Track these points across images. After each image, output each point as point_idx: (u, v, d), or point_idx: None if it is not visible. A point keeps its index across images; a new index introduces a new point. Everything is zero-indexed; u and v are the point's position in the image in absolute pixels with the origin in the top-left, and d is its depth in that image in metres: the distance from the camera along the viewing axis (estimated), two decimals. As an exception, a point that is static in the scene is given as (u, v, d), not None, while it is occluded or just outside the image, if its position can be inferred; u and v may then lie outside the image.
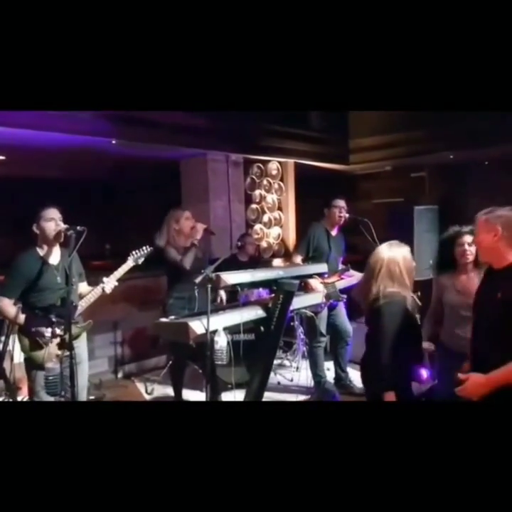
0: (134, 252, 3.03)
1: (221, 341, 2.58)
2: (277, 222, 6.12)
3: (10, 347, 3.42)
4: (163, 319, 2.92)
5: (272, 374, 4.47)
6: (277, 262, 6.03)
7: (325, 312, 4.22)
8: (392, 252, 2.36)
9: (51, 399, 2.56)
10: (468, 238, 2.84)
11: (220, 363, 2.60)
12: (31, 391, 2.78)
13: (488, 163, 6.09)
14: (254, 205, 5.90)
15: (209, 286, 2.72)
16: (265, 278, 3.02)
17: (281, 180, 6.10)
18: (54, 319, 2.66)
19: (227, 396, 3.90)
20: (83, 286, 3.01)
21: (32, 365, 2.73)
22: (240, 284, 2.89)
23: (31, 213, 2.83)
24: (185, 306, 3.68)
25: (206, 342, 2.60)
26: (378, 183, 7.00)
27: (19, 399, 3.61)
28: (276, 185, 6.06)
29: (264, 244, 5.99)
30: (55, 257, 2.84)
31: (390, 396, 2.15)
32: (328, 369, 4.53)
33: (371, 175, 6.95)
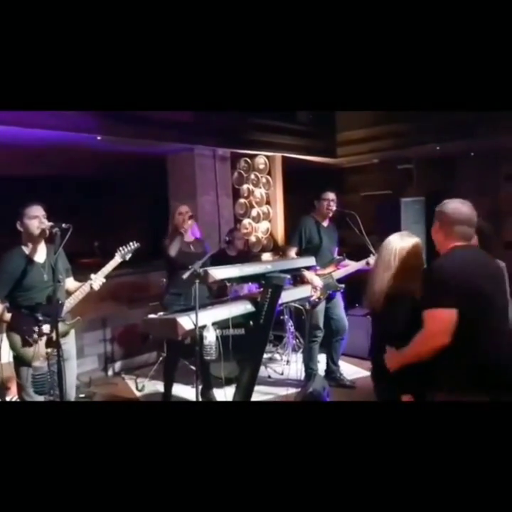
0: (121, 248, 3.02)
1: (210, 336, 2.58)
2: (266, 216, 6.11)
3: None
4: (152, 316, 2.91)
5: (262, 368, 4.48)
6: (266, 256, 6.03)
7: (322, 305, 4.23)
8: (404, 242, 2.25)
9: (40, 397, 2.55)
10: None
11: (209, 358, 2.60)
12: (20, 390, 2.76)
13: (473, 154, 6.13)
14: (242, 200, 5.89)
15: (197, 281, 2.71)
16: (254, 272, 3.02)
17: (269, 174, 6.10)
18: (40, 318, 2.64)
19: (218, 391, 3.91)
20: (70, 282, 2.99)
21: (21, 363, 2.71)
22: (228, 279, 2.89)
23: (17, 211, 2.79)
24: (181, 301, 3.69)
25: (195, 338, 2.60)
26: (366, 176, 7.03)
27: (8, 399, 3.58)
28: (264, 180, 6.05)
29: (253, 238, 5.98)
30: (40, 254, 2.81)
31: (407, 397, 2.08)
32: (319, 361, 4.55)
33: (359, 168, 6.98)
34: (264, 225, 6.10)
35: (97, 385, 4.60)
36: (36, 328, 2.64)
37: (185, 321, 2.59)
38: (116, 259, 2.96)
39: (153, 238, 4.18)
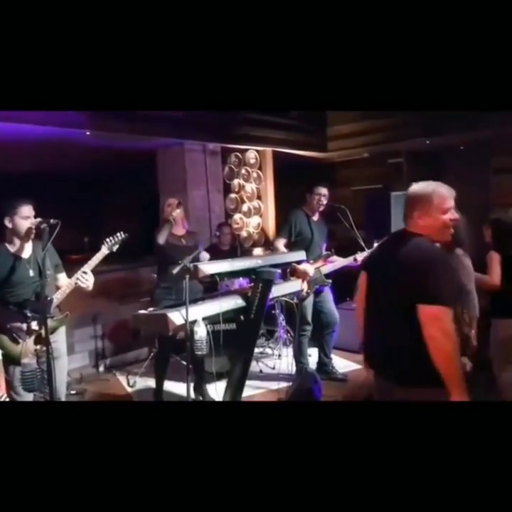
0: (107, 240, 2.94)
1: (201, 331, 2.58)
2: (257, 211, 6.11)
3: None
4: (143, 311, 2.90)
5: (254, 362, 4.49)
6: (258, 251, 6.03)
7: (311, 299, 4.23)
8: None
9: (29, 396, 2.53)
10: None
11: (200, 353, 2.60)
12: (9, 388, 2.73)
13: (463, 148, 6.16)
14: (233, 195, 5.88)
15: (187, 276, 2.71)
16: (244, 267, 3.02)
17: (260, 168, 6.09)
18: (29, 314, 2.62)
19: (209, 386, 3.91)
20: (63, 278, 2.96)
21: (9, 361, 2.69)
22: (219, 274, 2.88)
23: (4, 207, 2.77)
24: (172, 295, 3.68)
25: (186, 333, 2.60)
26: (356, 170, 7.04)
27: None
28: (254, 174, 6.03)
29: (244, 233, 5.98)
30: (26, 250, 2.79)
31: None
32: (310, 355, 4.56)
33: (349, 162, 6.98)
34: (255, 220, 6.09)
35: (88, 381, 4.59)
36: (25, 325, 2.63)
37: (176, 316, 2.58)
38: (103, 251, 2.89)
39: (144, 233, 4.16)
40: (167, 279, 3.71)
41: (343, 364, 4.75)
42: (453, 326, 1.87)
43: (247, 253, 5.62)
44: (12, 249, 2.74)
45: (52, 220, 2.53)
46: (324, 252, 4.33)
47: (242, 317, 2.96)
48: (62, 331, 2.93)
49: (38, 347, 2.59)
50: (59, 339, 2.88)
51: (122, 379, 4.66)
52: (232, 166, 5.81)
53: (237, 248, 5.38)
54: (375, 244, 3.56)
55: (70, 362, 3.14)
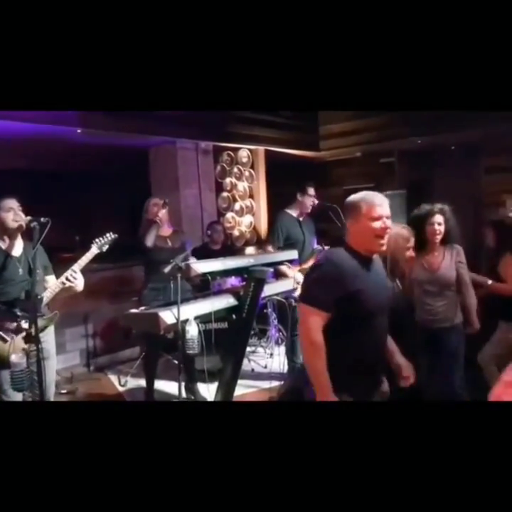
0: (97, 240, 2.93)
1: (192, 330, 2.57)
2: (249, 210, 6.10)
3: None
4: (134, 310, 2.89)
5: (245, 361, 4.49)
6: (250, 250, 6.02)
7: None
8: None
9: (18, 395, 2.51)
10: (438, 217, 2.93)
11: (191, 352, 2.59)
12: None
13: (454, 148, 6.19)
14: (225, 194, 5.87)
15: (178, 275, 2.70)
16: (236, 266, 3.02)
17: (252, 167, 6.08)
18: (18, 313, 2.60)
19: (201, 385, 3.90)
20: (51, 280, 2.93)
21: None
22: (211, 273, 2.88)
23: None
24: (160, 296, 3.66)
25: (178, 332, 2.59)
26: (349, 170, 7.05)
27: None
28: (246, 173, 6.03)
29: (236, 232, 5.97)
30: (17, 249, 2.76)
31: None
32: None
33: (342, 161, 6.99)
34: (247, 219, 6.08)
35: (79, 380, 4.57)
36: (14, 324, 2.60)
37: (167, 315, 2.57)
38: (93, 251, 2.88)
39: (135, 232, 4.14)
40: (154, 280, 3.70)
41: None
42: (316, 328, 1.88)
43: (239, 252, 5.62)
44: (3, 246, 2.72)
45: (42, 219, 2.51)
46: (315, 248, 4.32)
47: (234, 316, 2.96)
48: (51, 331, 2.90)
49: (27, 346, 2.56)
50: (48, 339, 2.84)
51: (114, 378, 4.64)
52: (225, 165, 5.80)
53: (229, 247, 5.37)
54: None
55: (61, 361, 3.12)
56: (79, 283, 2.80)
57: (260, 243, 6.08)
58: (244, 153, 5.97)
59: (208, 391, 3.30)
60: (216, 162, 5.74)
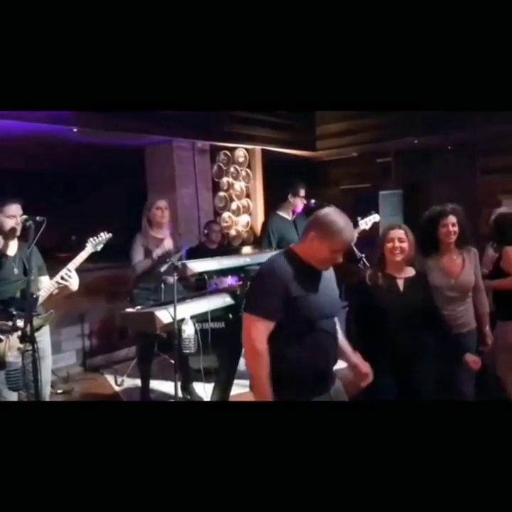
0: (92, 239, 2.92)
1: (188, 330, 2.57)
2: (246, 209, 6.09)
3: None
4: (130, 309, 2.88)
5: (242, 361, 4.47)
6: (247, 249, 6.01)
7: None
8: None
9: (14, 394, 2.50)
10: (452, 218, 2.80)
11: (187, 351, 2.59)
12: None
13: (451, 148, 6.21)
14: (222, 193, 5.86)
15: (175, 274, 2.69)
16: (233, 265, 3.02)
17: (249, 167, 6.07)
18: (14, 312, 2.59)
19: (198, 385, 3.89)
20: (45, 281, 2.92)
21: None
22: (207, 272, 2.88)
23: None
24: (151, 296, 3.64)
25: (174, 331, 2.59)
26: (345, 169, 7.06)
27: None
28: (243, 173, 6.02)
29: (233, 232, 5.96)
30: (11, 248, 2.75)
31: None
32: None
33: (338, 161, 7.00)
34: (244, 219, 6.08)
35: (75, 380, 4.55)
36: (10, 323, 2.59)
37: (163, 315, 2.57)
38: (88, 250, 2.87)
39: (132, 232, 4.13)
40: (145, 280, 3.68)
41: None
42: (259, 336, 1.89)
43: (235, 252, 5.61)
44: None
45: (38, 218, 2.50)
46: None
47: (230, 315, 2.96)
48: (46, 331, 2.89)
49: (23, 345, 2.55)
50: (44, 339, 2.83)
51: (110, 378, 4.62)
52: (221, 164, 5.79)
53: (226, 247, 5.36)
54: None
55: (57, 361, 3.11)
56: (74, 282, 2.79)
57: (257, 243, 6.08)
58: (241, 153, 5.96)
59: (205, 391, 3.29)
60: (213, 162, 5.73)
